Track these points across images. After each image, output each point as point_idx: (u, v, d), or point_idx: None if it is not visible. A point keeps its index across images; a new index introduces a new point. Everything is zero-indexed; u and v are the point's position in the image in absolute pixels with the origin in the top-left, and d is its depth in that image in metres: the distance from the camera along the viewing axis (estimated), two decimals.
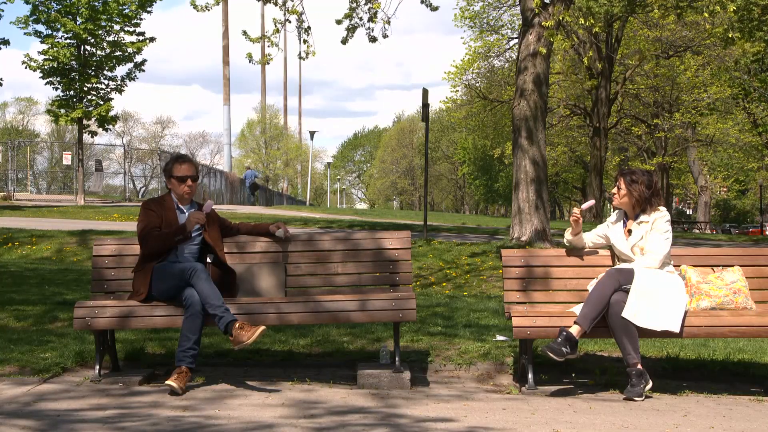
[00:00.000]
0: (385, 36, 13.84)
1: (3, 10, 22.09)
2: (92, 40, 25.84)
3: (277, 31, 13.69)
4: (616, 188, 5.69)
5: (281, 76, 64.14)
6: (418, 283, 10.86)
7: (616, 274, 5.42)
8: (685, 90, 33.54)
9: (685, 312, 5.34)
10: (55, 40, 25.55)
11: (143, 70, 26.79)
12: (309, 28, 13.86)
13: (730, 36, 13.17)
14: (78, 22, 25.26)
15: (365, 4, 13.53)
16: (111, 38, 26.24)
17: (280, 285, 5.80)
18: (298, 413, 4.66)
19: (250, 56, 13.56)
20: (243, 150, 64.36)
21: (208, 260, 5.73)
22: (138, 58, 26.61)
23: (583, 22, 12.25)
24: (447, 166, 78.63)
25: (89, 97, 26.37)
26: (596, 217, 29.01)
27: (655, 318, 5.24)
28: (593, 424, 4.57)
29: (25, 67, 25.71)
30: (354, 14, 13.61)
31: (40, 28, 25.71)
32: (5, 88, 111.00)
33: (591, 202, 5.83)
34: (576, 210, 5.73)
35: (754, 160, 43.07)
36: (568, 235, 5.80)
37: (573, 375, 5.84)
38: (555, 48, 14.50)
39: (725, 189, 64.25)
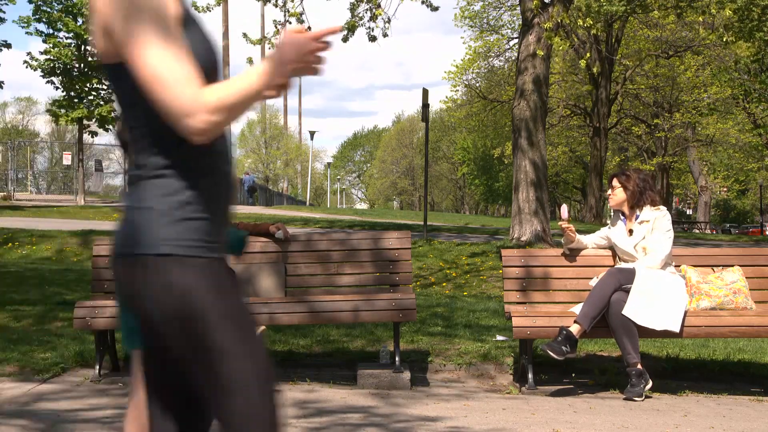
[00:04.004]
0: (385, 35, 13.84)
1: (4, 12, 22.10)
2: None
3: (278, 32, 13.69)
4: (610, 189, 5.75)
5: None
6: (418, 283, 10.86)
7: (617, 273, 5.42)
8: (685, 90, 33.53)
9: (685, 312, 5.34)
10: (57, 40, 25.57)
11: None
12: (309, 28, 13.82)
13: (725, 39, 13.18)
14: (79, 22, 25.27)
15: (365, 3, 13.53)
16: None
17: (280, 285, 5.80)
18: (298, 413, 4.66)
19: (250, 61, 13.50)
20: (243, 150, 64.42)
21: None
22: None
23: (581, 23, 12.23)
24: (447, 166, 78.53)
25: (90, 97, 26.38)
26: (596, 217, 29.00)
27: (655, 317, 5.24)
28: (593, 424, 4.57)
29: (26, 67, 25.73)
30: (355, 15, 13.61)
31: (42, 27, 25.77)
32: (5, 88, 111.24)
33: (564, 208, 5.80)
34: (562, 223, 5.70)
35: (754, 160, 43.01)
36: (565, 246, 5.78)
37: (573, 375, 5.84)
38: (555, 48, 14.48)
39: (725, 189, 64.18)
